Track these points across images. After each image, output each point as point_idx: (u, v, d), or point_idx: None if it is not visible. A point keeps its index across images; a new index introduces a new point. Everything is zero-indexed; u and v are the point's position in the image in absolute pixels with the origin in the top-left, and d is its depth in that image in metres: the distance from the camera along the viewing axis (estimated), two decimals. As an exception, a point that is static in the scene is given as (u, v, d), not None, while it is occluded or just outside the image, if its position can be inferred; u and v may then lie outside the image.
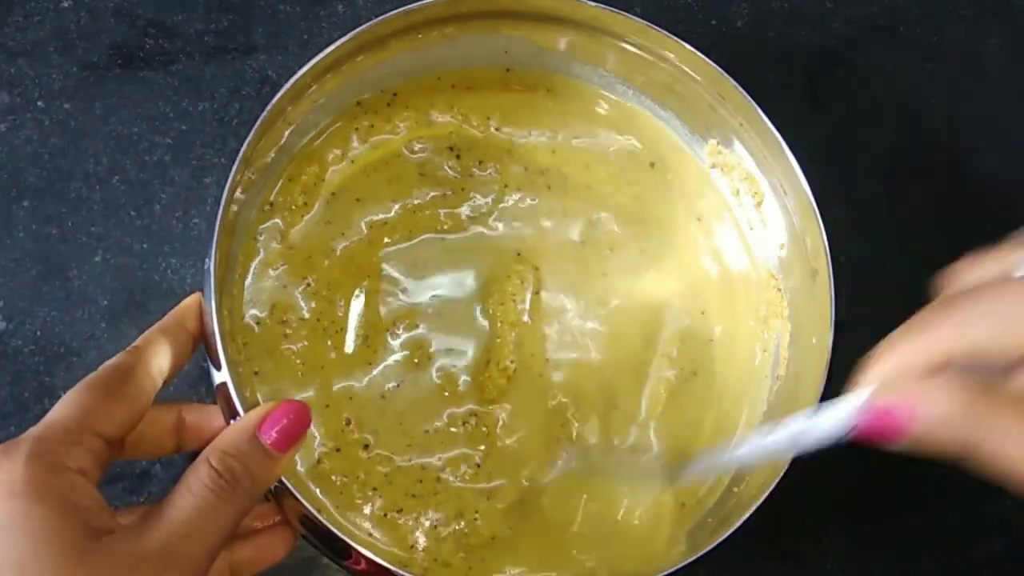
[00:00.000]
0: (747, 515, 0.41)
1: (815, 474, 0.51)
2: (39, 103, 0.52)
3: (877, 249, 0.55)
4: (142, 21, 0.54)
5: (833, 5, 0.59)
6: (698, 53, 0.46)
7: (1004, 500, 0.52)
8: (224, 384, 0.39)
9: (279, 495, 0.39)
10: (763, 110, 0.46)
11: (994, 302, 0.30)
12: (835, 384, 0.42)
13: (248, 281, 0.46)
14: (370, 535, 0.44)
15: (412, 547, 0.45)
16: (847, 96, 0.58)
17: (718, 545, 0.40)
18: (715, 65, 0.46)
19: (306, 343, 0.46)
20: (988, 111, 0.59)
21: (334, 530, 0.38)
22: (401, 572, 0.38)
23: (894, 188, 0.57)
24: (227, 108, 0.53)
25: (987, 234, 0.59)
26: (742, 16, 0.58)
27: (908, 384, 0.30)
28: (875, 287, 0.53)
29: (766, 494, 0.41)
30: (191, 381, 0.49)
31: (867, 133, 0.58)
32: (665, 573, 0.40)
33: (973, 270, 0.33)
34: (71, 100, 0.52)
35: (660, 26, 0.47)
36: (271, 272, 0.47)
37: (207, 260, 0.40)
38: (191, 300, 0.41)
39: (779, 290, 0.49)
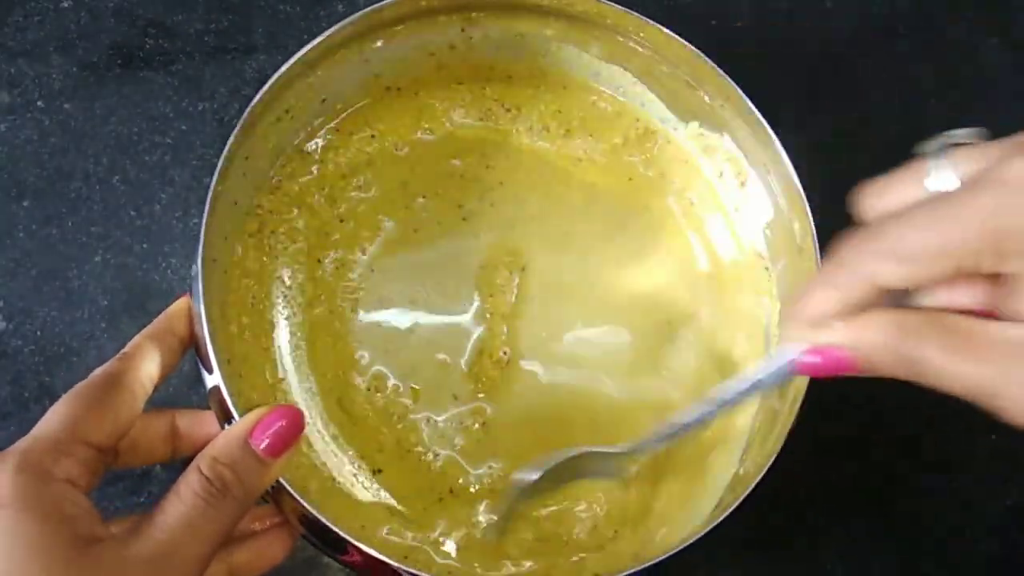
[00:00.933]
0: (740, 500, 0.41)
1: (815, 473, 0.51)
2: (39, 103, 0.52)
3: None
4: (142, 21, 0.54)
5: (833, 5, 0.59)
6: (674, 35, 0.46)
7: (1004, 500, 0.52)
8: (217, 388, 0.39)
9: (276, 494, 0.39)
10: (763, 110, 0.46)
11: (906, 232, 0.31)
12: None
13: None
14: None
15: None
16: (847, 96, 0.58)
17: (717, 545, 0.40)
18: (692, 47, 0.46)
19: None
20: (988, 111, 0.59)
21: (330, 524, 0.38)
22: (397, 564, 0.38)
23: (894, 188, 0.57)
24: (227, 108, 0.53)
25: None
26: (742, 16, 0.58)
27: (836, 328, 0.32)
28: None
29: (760, 475, 0.41)
30: (190, 382, 0.49)
31: (867, 133, 0.58)
32: (657, 560, 0.40)
33: (884, 194, 0.34)
34: (71, 100, 0.52)
35: (660, 26, 0.47)
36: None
37: (194, 265, 0.40)
38: (179, 304, 0.41)
39: (766, 269, 0.49)
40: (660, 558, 0.40)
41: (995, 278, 0.30)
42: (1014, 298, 0.30)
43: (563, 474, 0.44)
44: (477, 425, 0.47)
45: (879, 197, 0.34)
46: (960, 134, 0.34)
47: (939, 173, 0.33)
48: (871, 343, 0.31)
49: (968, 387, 0.30)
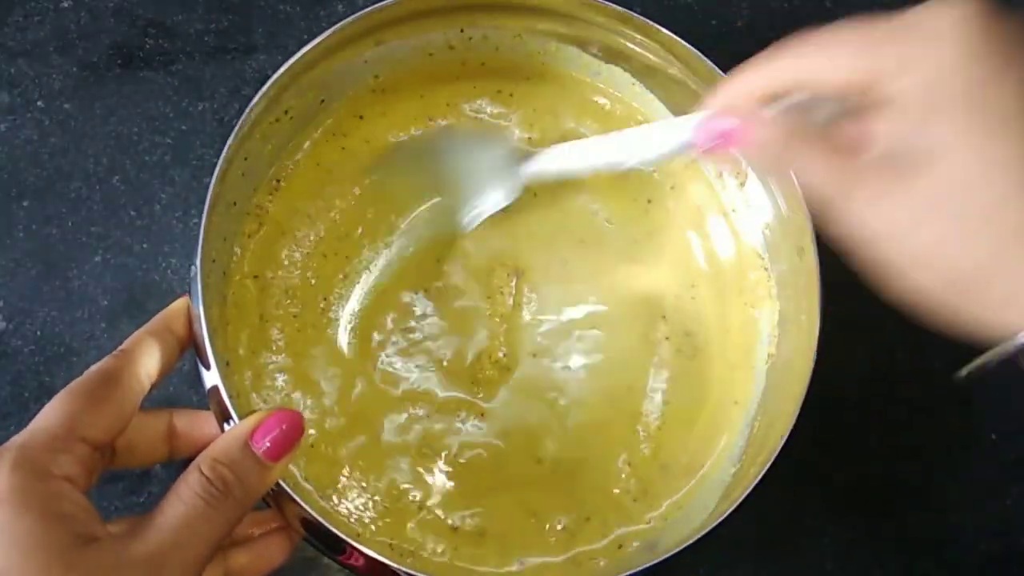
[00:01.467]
0: (740, 500, 0.41)
1: (815, 473, 0.51)
2: (39, 103, 0.52)
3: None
4: (142, 21, 0.54)
5: (833, 5, 0.59)
6: (673, 36, 0.46)
7: (1004, 500, 0.52)
8: (216, 388, 0.39)
9: (277, 496, 0.39)
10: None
11: (821, 44, 0.35)
12: (825, 363, 0.42)
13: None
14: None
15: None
16: (847, 96, 0.58)
17: (717, 545, 0.40)
18: (691, 47, 0.46)
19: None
20: (988, 111, 0.59)
21: (330, 527, 0.38)
22: (396, 566, 0.38)
23: (894, 188, 0.57)
24: (227, 108, 0.53)
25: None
26: (742, 16, 0.58)
27: (744, 109, 0.36)
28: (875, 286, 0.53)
29: (760, 475, 0.41)
30: (190, 382, 0.49)
31: (867, 133, 0.58)
32: (658, 560, 0.40)
33: (740, 85, 0.37)
34: (71, 100, 0.52)
35: (659, 26, 0.47)
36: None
37: (192, 265, 0.40)
38: (178, 303, 0.41)
39: (765, 270, 0.49)
40: (660, 558, 0.40)
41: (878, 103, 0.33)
42: (880, 122, 0.33)
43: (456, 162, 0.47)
44: (474, 423, 0.47)
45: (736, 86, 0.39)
46: None
47: None
48: (764, 123, 0.35)
49: (818, 185, 0.34)
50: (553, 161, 0.45)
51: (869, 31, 0.34)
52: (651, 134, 0.40)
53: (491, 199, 0.48)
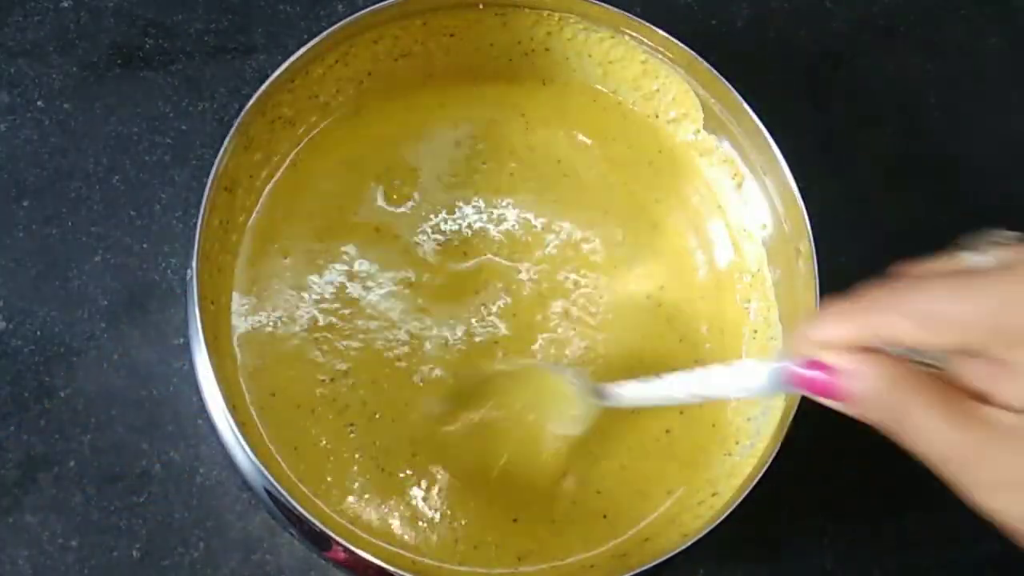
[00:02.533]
0: (740, 499, 0.41)
1: (815, 474, 0.51)
2: (39, 103, 0.52)
3: (877, 249, 0.55)
4: (142, 21, 0.54)
5: (833, 5, 0.59)
6: (671, 38, 0.46)
7: (1004, 500, 0.52)
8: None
9: (273, 498, 0.39)
10: (762, 110, 0.46)
11: (924, 298, 0.31)
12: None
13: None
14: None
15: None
16: (847, 96, 0.58)
17: (718, 545, 0.40)
18: (689, 49, 0.46)
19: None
20: (988, 111, 0.59)
21: (316, 522, 0.38)
22: (387, 566, 0.38)
23: (894, 188, 0.57)
24: (227, 108, 0.53)
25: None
26: (742, 16, 0.58)
27: (842, 354, 0.32)
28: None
29: (760, 475, 0.41)
30: (191, 381, 0.49)
31: (867, 133, 0.58)
32: (658, 560, 0.40)
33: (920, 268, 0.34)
34: (71, 100, 0.52)
35: (660, 26, 0.47)
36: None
37: (188, 270, 0.40)
38: None
39: (764, 272, 0.49)
40: (661, 558, 0.40)
41: (998, 362, 0.30)
42: (1010, 386, 0.30)
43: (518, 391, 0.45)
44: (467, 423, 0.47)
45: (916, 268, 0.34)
46: (1006, 235, 0.34)
47: (976, 259, 0.33)
48: (866, 377, 0.31)
49: (940, 453, 0.31)
50: (632, 392, 0.43)
51: (985, 290, 0.30)
52: (738, 377, 0.37)
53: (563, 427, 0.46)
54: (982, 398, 0.31)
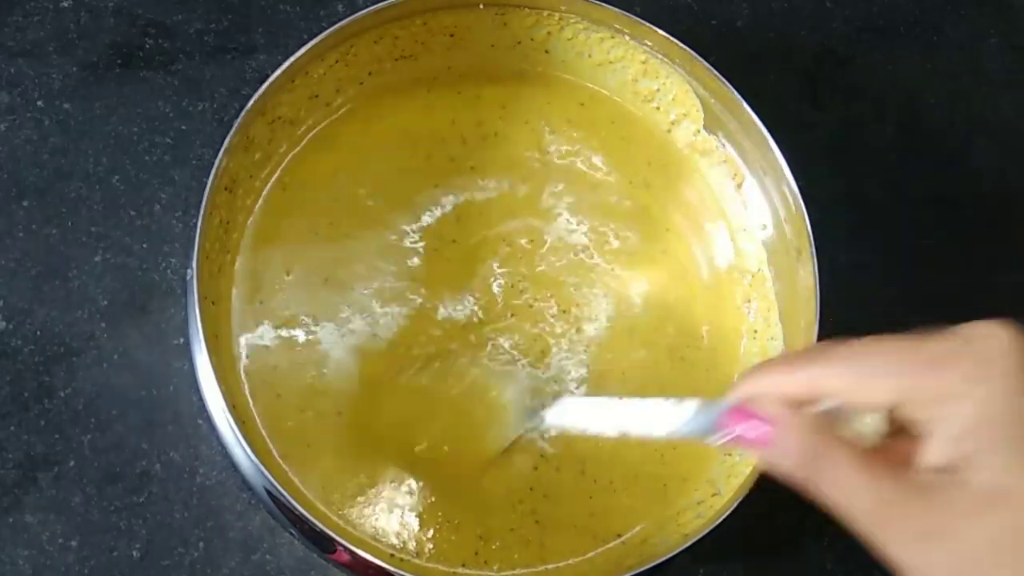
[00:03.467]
0: (740, 499, 0.41)
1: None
2: (39, 103, 0.52)
3: (877, 249, 0.55)
4: (142, 21, 0.54)
5: (833, 5, 0.59)
6: (671, 37, 0.46)
7: (1004, 500, 0.52)
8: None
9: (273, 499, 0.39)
10: (762, 110, 0.46)
11: (860, 355, 0.32)
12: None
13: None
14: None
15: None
16: (847, 96, 0.58)
17: (718, 545, 0.40)
18: (689, 49, 0.46)
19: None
20: (988, 111, 0.59)
21: (319, 524, 0.38)
22: (387, 566, 0.38)
23: (894, 188, 0.57)
24: (227, 108, 0.53)
25: (987, 234, 0.59)
26: (742, 16, 0.58)
27: (774, 406, 0.33)
28: (874, 286, 0.53)
29: (751, 486, 0.41)
30: (190, 381, 0.49)
31: (867, 133, 0.58)
32: (654, 564, 0.40)
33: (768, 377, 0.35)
34: (71, 100, 0.52)
35: (659, 26, 0.47)
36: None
37: (188, 270, 0.40)
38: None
39: (764, 272, 0.49)
40: (661, 558, 0.40)
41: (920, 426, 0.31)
42: (927, 446, 0.31)
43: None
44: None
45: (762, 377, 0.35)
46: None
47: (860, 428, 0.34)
48: (792, 426, 0.32)
49: (859, 506, 0.31)
50: (565, 416, 0.43)
51: (912, 350, 0.32)
52: (670, 413, 0.37)
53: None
54: (903, 466, 0.32)
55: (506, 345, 0.48)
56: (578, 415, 0.43)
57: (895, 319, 0.35)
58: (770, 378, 0.34)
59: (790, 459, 0.32)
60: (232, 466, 0.45)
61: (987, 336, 0.31)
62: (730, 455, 0.47)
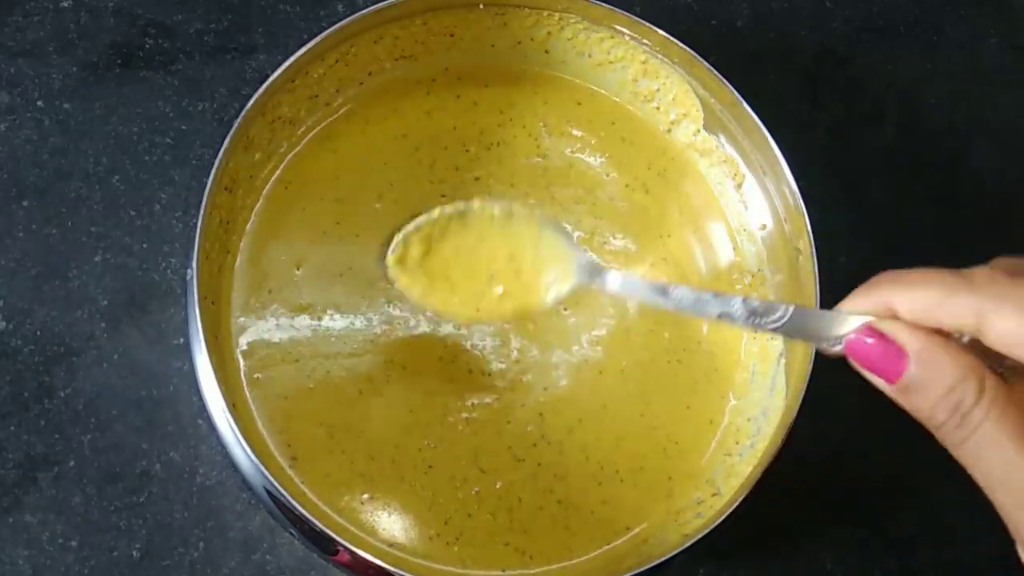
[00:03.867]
0: (740, 499, 0.41)
1: (815, 474, 0.51)
2: (39, 103, 0.52)
3: (877, 249, 0.55)
4: (142, 21, 0.54)
5: (833, 5, 0.59)
6: (671, 37, 0.46)
7: (1004, 500, 0.52)
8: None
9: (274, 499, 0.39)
10: (763, 110, 0.46)
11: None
12: (824, 363, 0.42)
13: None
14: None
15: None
16: (847, 96, 0.58)
17: (719, 544, 0.40)
18: (688, 49, 0.46)
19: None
20: (988, 111, 0.59)
21: (321, 526, 0.38)
22: (387, 567, 0.38)
23: (894, 188, 0.57)
24: (227, 108, 0.53)
25: (987, 234, 0.59)
26: (742, 16, 0.58)
27: (910, 330, 0.27)
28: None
29: (760, 474, 0.41)
30: (190, 381, 0.49)
31: (867, 133, 0.58)
32: (654, 564, 0.40)
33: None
34: (71, 100, 0.52)
35: (659, 26, 0.47)
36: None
37: (188, 270, 0.40)
38: None
39: (764, 272, 0.49)
40: (661, 558, 0.40)
41: None
42: None
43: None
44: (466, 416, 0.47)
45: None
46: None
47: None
48: (936, 363, 0.27)
49: (1000, 478, 0.26)
50: (636, 291, 0.39)
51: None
52: (804, 319, 0.31)
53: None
54: None
55: (505, 345, 0.48)
56: (643, 289, 0.38)
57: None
58: (923, 294, 0.27)
59: (926, 402, 0.27)
60: (232, 466, 0.45)
61: None
62: (730, 455, 0.47)
